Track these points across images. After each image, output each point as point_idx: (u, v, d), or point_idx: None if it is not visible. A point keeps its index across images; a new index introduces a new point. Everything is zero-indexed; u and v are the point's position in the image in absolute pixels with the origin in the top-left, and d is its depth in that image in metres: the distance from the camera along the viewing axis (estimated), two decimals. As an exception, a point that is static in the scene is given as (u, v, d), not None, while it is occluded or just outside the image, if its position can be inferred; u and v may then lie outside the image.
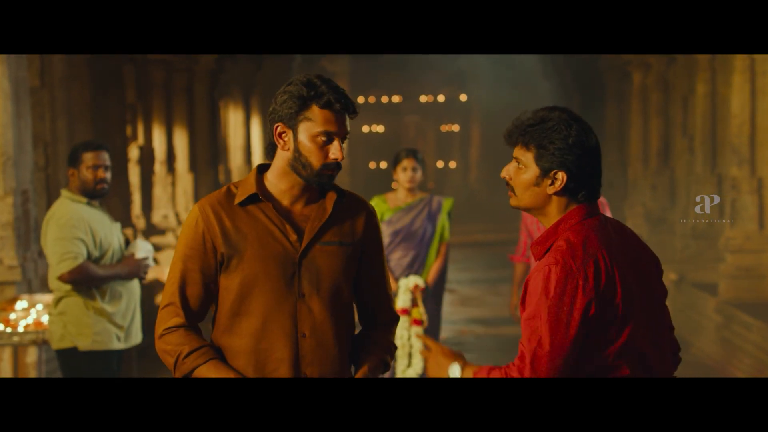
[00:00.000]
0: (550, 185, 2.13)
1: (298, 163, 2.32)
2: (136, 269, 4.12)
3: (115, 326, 4.09)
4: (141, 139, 9.93)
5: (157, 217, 10.08)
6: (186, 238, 2.34)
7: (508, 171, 2.19)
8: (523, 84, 21.17)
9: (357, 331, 2.51)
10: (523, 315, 2.09)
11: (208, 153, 10.94)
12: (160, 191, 10.16)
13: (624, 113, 11.63)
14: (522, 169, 2.16)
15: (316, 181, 2.33)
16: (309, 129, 2.30)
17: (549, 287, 2.03)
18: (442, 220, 5.21)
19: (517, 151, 2.17)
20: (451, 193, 23.65)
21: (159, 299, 8.11)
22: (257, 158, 14.63)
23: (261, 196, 2.35)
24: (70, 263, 3.93)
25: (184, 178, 10.57)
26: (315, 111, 2.29)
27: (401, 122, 25.70)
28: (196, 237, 2.33)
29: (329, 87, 2.30)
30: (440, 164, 26.10)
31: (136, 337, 4.24)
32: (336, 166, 2.33)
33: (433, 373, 2.26)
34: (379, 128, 25.75)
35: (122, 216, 8.11)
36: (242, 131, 13.42)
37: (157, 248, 9.53)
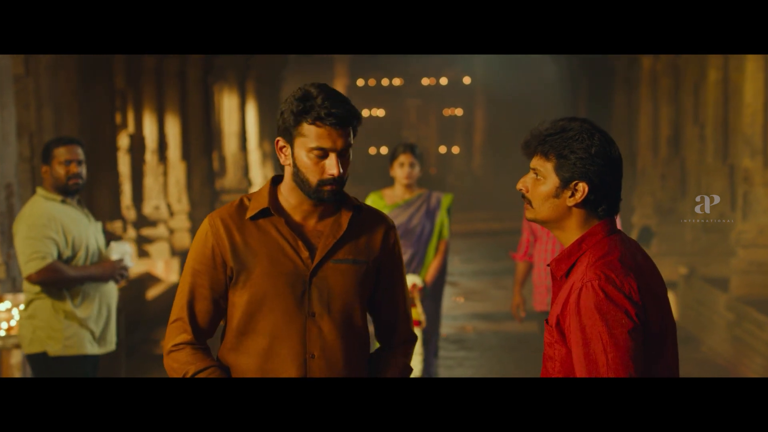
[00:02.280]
0: (570, 197, 2.03)
1: (298, 178, 2.28)
2: (110, 271, 4.04)
3: (88, 331, 4.01)
4: (131, 127, 9.74)
5: (148, 208, 9.88)
6: (195, 252, 2.32)
7: (524, 183, 2.09)
8: (529, 67, 20.89)
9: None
10: (572, 340, 1.97)
11: (202, 140, 10.75)
12: (151, 181, 9.97)
13: (633, 99, 11.42)
14: (540, 180, 2.06)
15: (316, 198, 2.28)
16: (304, 144, 2.25)
17: (599, 303, 1.94)
18: (441, 217, 5.07)
19: (535, 162, 2.07)
20: (454, 179, 23.46)
21: (150, 294, 7.95)
22: (253, 145, 14.40)
23: (273, 210, 2.31)
24: (37, 263, 3.86)
25: (177, 167, 10.39)
26: (308, 126, 2.23)
27: (402, 106, 25.48)
28: (205, 251, 2.30)
29: (325, 98, 2.22)
30: (443, 149, 25.88)
31: (111, 344, 4.14)
32: (334, 181, 2.25)
33: None
34: (380, 112, 25.52)
35: (112, 208, 7.94)
36: (237, 116, 13.20)
37: (148, 240, 9.31)
